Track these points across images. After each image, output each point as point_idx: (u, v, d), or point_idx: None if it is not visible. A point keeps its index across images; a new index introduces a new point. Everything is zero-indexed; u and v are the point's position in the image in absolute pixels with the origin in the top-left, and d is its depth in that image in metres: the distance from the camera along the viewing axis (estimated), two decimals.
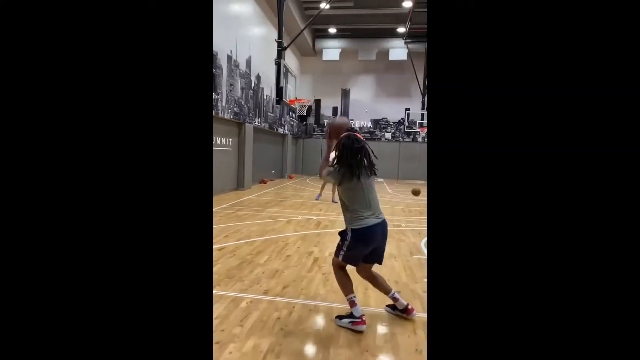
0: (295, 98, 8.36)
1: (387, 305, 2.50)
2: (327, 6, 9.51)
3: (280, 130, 13.93)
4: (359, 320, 2.20)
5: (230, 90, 8.67)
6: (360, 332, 2.18)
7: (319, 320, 2.35)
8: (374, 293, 2.70)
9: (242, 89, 9.41)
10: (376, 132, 16.95)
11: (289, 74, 7.93)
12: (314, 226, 5.37)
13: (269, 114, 11.96)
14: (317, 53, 16.44)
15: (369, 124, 16.95)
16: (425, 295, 2.83)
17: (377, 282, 2.41)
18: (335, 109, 17.17)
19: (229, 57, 8.47)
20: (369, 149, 2.20)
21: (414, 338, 2.15)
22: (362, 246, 2.18)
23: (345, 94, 17.03)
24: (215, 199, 7.68)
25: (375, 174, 2.22)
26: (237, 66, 9.00)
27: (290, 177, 14.82)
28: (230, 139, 9.15)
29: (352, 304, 2.24)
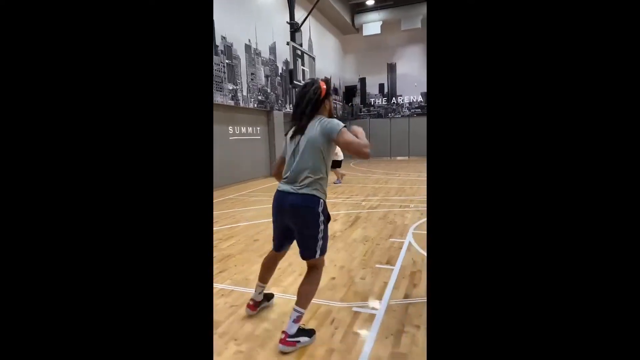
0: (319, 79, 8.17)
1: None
2: None
3: None
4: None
5: (252, 80, 8.80)
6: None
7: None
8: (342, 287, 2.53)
9: (266, 76, 9.49)
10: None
11: (305, 56, 7.69)
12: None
13: None
14: (358, 30, 15.73)
15: (420, 98, 15.82)
16: (361, 281, 2.57)
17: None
18: (381, 86, 16.38)
19: (247, 46, 8.56)
20: None
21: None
22: (272, 217, 1.87)
23: (391, 68, 16.09)
24: (243, 185, 7.98)
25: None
26: (259, 54, 9.07)
27: None
28: (259, 128, 9.35)
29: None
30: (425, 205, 5.14)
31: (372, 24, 15.03)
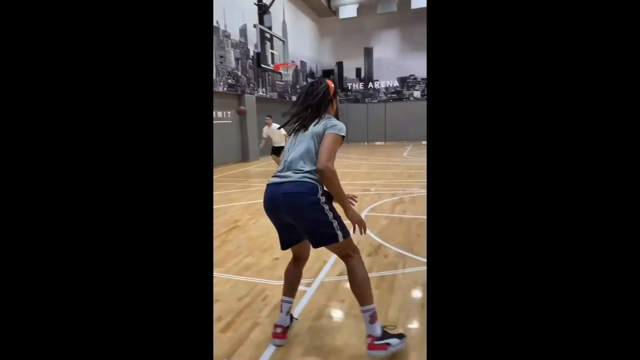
0: (285, 63, 8.00)
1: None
2: None
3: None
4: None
5: (221, 62, 8.64)
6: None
7: None
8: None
9: (236, 59, 9.33)
10: (403, 92, 15.86)
11: (275, 39, 7.57)
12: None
13: (277, 82, 11.77)
14: (335, 12, 15.53)
15: (396, 83, 15.89)
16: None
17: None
18: (358, 70, 16.34)
19: (216, 28, 8.37)
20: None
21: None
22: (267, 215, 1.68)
23: (368, 52, 16.04)
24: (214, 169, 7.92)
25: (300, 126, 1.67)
26: (228, 36, 8.89)
27: None
28: (229, 112, 9.24)
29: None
30: (387, 189, 5.28)
31: (348, 6, 14.85)
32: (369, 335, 1.51)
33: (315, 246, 1.59)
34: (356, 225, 1.63)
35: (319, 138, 1.54)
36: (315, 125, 1.57)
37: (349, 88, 16.54)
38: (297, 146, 1.58)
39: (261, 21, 7.28)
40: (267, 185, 1.60)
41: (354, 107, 16.41)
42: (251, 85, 10.05)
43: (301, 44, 14.19)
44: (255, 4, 7.31)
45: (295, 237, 1.67)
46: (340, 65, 16.56)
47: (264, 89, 10.79)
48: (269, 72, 9.17)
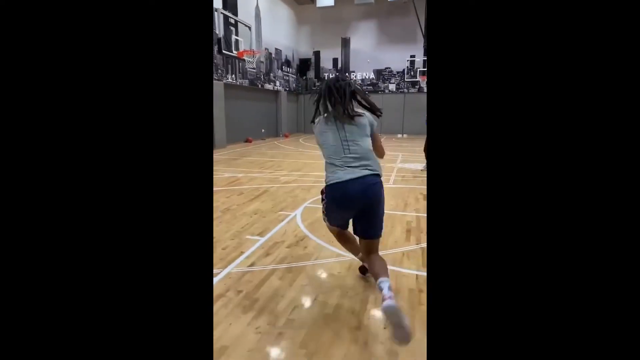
0: (252, 50, 7.82)
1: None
2: None
3: (269, 86, 13.52)
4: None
5: None
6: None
7: None
8: None
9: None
10: (379, 84, 15.90)
11: (240, 25, 7.39)
12: (225, 183, 5.26)
13: (248, 69, 11.57)
14: (313, 0, 15.31)
15: (372, 75, 15.90)
16: (222, 252, 2.66)
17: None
18: (335, 61, 16.24)
19: None
20: (335, 87, 1.79)
21: None
22: (334, 207, 1.82)
23: (345, 43, 15.94)
24: None
25: (348, 115, 1.76)
26: None
27: (286, 136, 14.61)
28: None
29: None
30: None
31: None
32: (389, 296, 1.59)
33: (370, 237, 1.83)
34: None
35: (370, 131, 1.81)
36: (358, 117, 1.77)
37: (325, 78, 16.44)
38: (354, 137, 1.76)
39: (224, 6, 7.10)
40: (343, 182, 1.70)
41: None
42: (219, 71, 9.84)
43: (277, 31, 13.96)
44: None
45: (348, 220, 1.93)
46: (317, 54, 16.41)
47: (233, 76, 10.59)
48: (236, 59, 9.00)
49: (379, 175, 1.77)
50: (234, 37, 7.07)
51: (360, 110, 1.82)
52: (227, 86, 10.23)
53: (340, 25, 15.66)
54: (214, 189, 4.76)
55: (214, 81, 9.55)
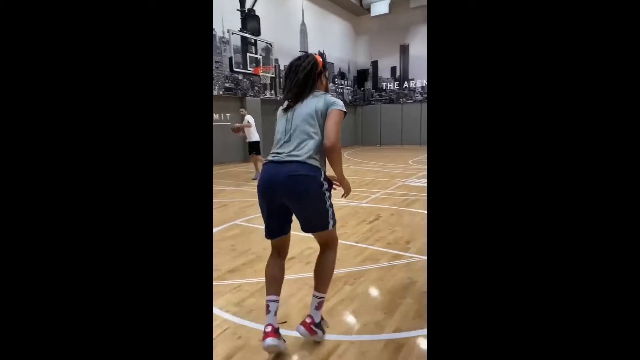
0: (267, 66, 7.95)
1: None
2: None
3: None
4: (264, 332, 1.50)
5: (217, 67, 9.04)
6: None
7: None
8: None
9: (237, 63, 9.66)
10: None
11: (258, 42, 7.64)
12: None
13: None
14: (368, 10, 14.98)
15: None
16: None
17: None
18: (393, 69, 15.52)
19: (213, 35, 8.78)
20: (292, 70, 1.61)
21: None
22: (259, 197, 1.55)
23: (404, 50, 15.12)
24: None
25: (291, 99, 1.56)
26: (227, 42, 9.26)
27: None
28: (228, 114, 9.62)
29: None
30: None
31: (379, 3, 14.23)
32: (309, 316, 1.57)
33: (306, 231, 1.57)
34: (343, 191, 1.68)
35: (321, 115, 1.49)
36: (309, 101, 1.52)
37: (384, 88, 15.81)
38: (296, 122, 1.50)
39: (244, 26, 7.43)
40: (266, 164, 1.52)
41: (388, 107, 15.65)
42: (255, 88, 10.29)
43: (327, 46, 14.04)
44: (238, 9, 7.49)
45: (284, 227, 1.59)
46: (375, 64, 15.94)
47: (272, 92, 10.97)
48: (251, 76, 9.34)
49: (310, 166, 1.44)
50: (253, 55, 7.34)
51: (319, 92, 1.55)
52: (264, 101, 10.62)
53: (398, 32, 14.96)
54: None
55: (250, 97, 10.02)
